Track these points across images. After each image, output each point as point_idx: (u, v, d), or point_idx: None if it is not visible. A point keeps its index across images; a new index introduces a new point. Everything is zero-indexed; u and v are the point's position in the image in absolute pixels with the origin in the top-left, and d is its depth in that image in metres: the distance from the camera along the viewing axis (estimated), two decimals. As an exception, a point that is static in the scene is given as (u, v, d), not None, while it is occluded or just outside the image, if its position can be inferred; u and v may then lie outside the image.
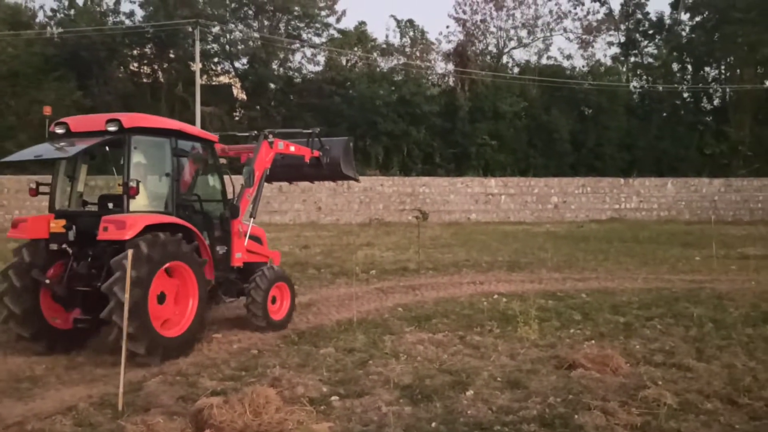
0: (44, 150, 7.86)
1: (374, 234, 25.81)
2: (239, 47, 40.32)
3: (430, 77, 43.37)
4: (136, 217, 7.52)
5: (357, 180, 12.82)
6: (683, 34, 48.93)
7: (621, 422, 5.61)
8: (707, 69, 48.40)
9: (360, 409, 6.09)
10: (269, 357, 7.93)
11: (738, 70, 45.36)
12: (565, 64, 46.46)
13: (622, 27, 49.47)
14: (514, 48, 46.11)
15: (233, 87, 42.77)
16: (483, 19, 44.14)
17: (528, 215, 36.56)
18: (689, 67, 48.11)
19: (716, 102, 48.52)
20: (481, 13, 43.94)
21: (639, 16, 49.98)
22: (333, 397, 6.38)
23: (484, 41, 45.16)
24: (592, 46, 47.62)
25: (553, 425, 5.62)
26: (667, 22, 49.83)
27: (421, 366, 7.45)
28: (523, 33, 45.62)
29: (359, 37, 41.53)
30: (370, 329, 9.29)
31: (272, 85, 40.37)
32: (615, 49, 49.88)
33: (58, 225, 7.85)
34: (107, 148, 8.12)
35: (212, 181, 9.26)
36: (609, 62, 48.12)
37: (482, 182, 36.59)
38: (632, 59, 49.80)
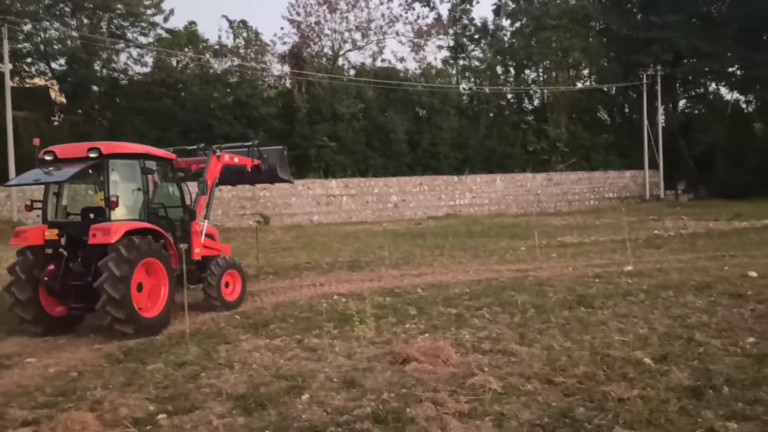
0: (41, 175, 9.64)
1: (213, 241, 24.94)
2: (56, 47, 37.30)
3: (266, 79, 42.86)
4: (119, 225, 9.30)
5: (291, 182, 15.41)
6: (505, 39, 52.29)
7: (450, 411, 5.79)
8: (527, 72, 52.13)
9: (189, 424, 5.81)
10: (90, 378, 7.35)
11: (553, 73, 49.24)
12: (399, 66, 47.91)
13: (451, 31, 51.87)
14: (349, 50, 46.79)
15: (50, 89, 39.51)
16: (317, 21, 44.35)
17: (369, 215, 37.22)
18: (512, 69, 51.51)
19: (536, 102, 52.40)
20: (315, 16, 44.12)
21: (465, 21, 52.74)
22: (160, 415, 6.03)
23: (320, 43, 45.40)
24: (423, 50, 49.45)
25: (386, 421, 5.68)
26: (491, 27, 53.04)
27: (256, 374, 7.26)
28: (358, 36, 46.43)
29: (189, 37, 39.98)
30: (204, 340, 8.92)
31: (95, 88, 37.83)
32: (445, 53, 52.29)
33: (52, 233, 9.52)
34: (90, 171, 9.67)
35: (173, 190, 11.19)
36: (440, 65, 50.27)
37: (323, 184, 36.74)
38: (461, 62, 52.44)
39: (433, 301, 11.22)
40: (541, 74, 51.46)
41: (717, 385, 6.22)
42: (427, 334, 8.83)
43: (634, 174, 47.34)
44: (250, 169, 12.53)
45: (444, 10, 53.59)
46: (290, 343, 8.67)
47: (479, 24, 52.82)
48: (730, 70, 52.19)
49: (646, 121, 46.96)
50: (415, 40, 48.63)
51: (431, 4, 51.08)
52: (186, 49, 39.77)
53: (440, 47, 51.84)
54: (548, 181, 43.51)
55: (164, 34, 39.73)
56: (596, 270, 14.30)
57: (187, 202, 11.24)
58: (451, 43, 51.97)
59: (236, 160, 12.20)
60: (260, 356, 7.97)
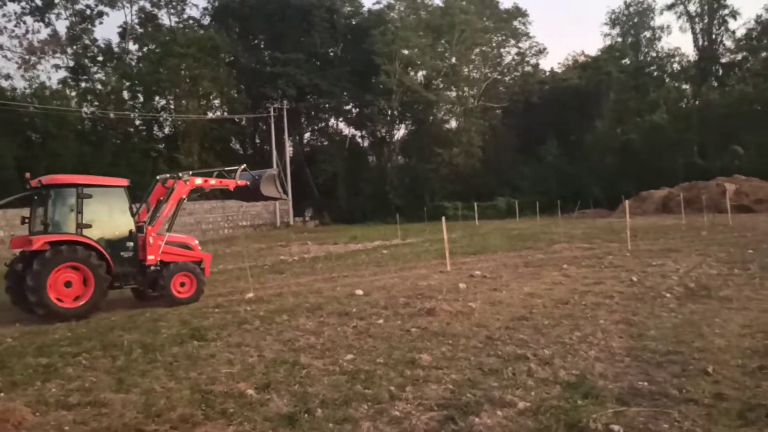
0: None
1: None
2: None
3: None
4: (41, 237, 12.24)
5: (283, 198, 18.48)
6: (132, 63, 49.96)
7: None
8: (157, 98, 50.50)
9: None
10: None
11: (184, 101, 48.58)
12: (5, 84, 42.20)
13: (70, 51, 47.69)
14: (-66, 61, 39.61)
15: None
16: None
17: (-33, 254, 31.57)
18: (140, 95, 49.34)
19: (167, 130, 51.03)
20: None
21: (87, 41, 49.05)
22: None
23: None
24: (36, 68, 44.47)
25: None
26: (116, 50, 50.23)
27: None
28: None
29: None
30: None
31: None
32: (63, 73, 47.85)
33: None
34: (35, 197, 13.09)
35: (124, 209, 13.26)
36: (56, 86, 45.69)
37: None
38: (83, 84, 48.47)
39: (23, 351, 9.52)
40: (171, 102, 50.36)
41: (312, 408, 6.22)
42: (2, 394, 7.33)
43: (266, 202, 49.07)
44: (233, 190, 15.24)
45: (62, 27, 49.26)
46: None
47: (103, 45, 49.68)
48: (347, 107, 58.08)
49: (275, 152, 49.22)
50: (26, 57, 43.50)
51: (46, 20, 46.37)
52: None
53: (57, 66, 47.31)
54: (182, 210, 42.42)
55: None
56: (218, 300, 13.96)
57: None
58: (71, 63, 47.77)
59: (212, 182, 15.18)
60: None
